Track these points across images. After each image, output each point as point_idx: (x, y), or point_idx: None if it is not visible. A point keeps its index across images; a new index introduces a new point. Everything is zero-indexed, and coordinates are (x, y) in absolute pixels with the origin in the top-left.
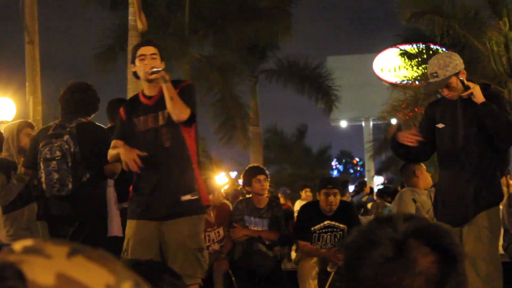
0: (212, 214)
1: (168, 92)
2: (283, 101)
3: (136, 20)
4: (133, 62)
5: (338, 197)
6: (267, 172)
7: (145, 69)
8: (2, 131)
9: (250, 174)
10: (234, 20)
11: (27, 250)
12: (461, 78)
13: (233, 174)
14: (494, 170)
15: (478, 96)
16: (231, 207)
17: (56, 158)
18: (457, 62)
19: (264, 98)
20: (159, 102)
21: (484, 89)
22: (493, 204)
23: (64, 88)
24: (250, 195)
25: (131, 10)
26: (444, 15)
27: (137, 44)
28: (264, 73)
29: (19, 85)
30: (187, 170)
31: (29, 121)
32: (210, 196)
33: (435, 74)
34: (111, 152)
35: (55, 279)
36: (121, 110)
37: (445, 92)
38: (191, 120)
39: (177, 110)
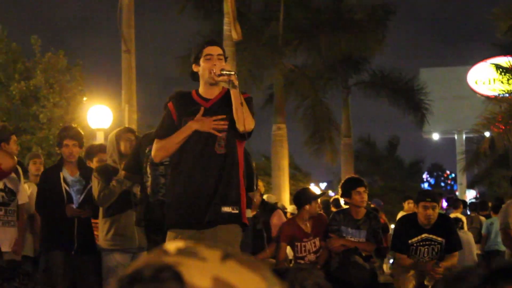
0: (308, 225)
1: (236, 99)
2: (376, 112)
3: (231, 30)
4: (196, 61)
5: (437, 211)
6: (366, 183)
7: (212, 69)
8: (98, 139)
9: (350, 186)
10: (327, 31)
11: (182, 252)
12: None
13: (323, 185)
14: None
15: None
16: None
17: (164, 163)
18: None
19: (357, 109)
20: (216, 106)
21: None
22: None
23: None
24: (348, 206)
25: (226, 20)
26: None
27: (202, 43)
28: (357, 85)
29: (115, 93)
30: (233, 182)
31: (130, 127)
32: (307, 207)
33: None
34: (167, 140)
35: (212, 282)
36: (171, 106)
37: None
38: (250, 134)
39: (247, 119)
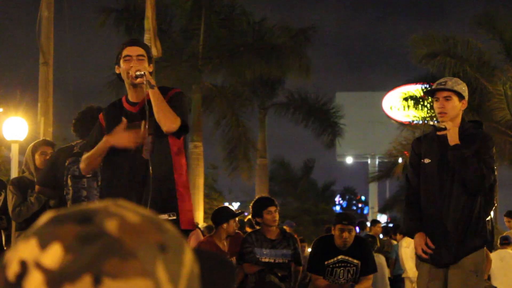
0: (225, 244)
1: (154, 98)
2: (292, 134)
3: (151, 46)
4: (117, 63)
5: (353, 234)
6: (276, 202)
7: (130, 71)
8: (13, 151)
9: (261, 205)
10: (248, 52)
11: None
12: (435, 124)
13: (236, 204)
14: (479, 211)
15: (452, 137)
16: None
17: (87, 176)
18: (466, 90)
19: (273, 130)
20: (142, 109)
21: (475, 128)
22: (480, 246)
23: (83, 111)
24: (259, 227)
25: (146, 36)
26: (457, 57)
27: (123, 43)
28: (274, 106)
29: (31, 105)
30: (166, 187)
31: (45, 139)
32: (225, 225)
33: (443, 83)
34: (87, 155)
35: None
36: (100, 117)
37: (439, 105)
38: (181, 131)
39: (167, 120)
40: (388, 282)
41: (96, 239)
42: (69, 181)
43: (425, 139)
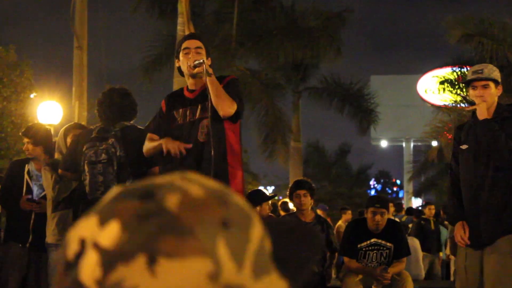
0: None
1: (212, 85)
2: (327, 117)
3: (184, 30)
4: (177, 57)
5: (386, 217)
6: (311, 186)
7: (188, 62)
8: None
9: (292, 189)
10: (281, 36)
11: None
12: (470, 108)
13: (271, 188)
14: None
15: (481, 112)
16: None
17: (102, 161)
18: (499, 75)
19: (309, 114)
20: (200, 95)
21: (510, 111)
22: None
23: (104, 92)
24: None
25: (179, 20)
26: (493, 39)
27: (182, 37)
28: (307, 90)
29: (66, 89)
30: (220, 168)
31: (78, 122)
32: (258, 208)
33: (480, 71)
34: (148, 145)
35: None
36: (162, 103)
37: (477, 93)
38: (237, 116)
39: (224, 104)
40: (422, 265)
41: (153, 216)
42: (86, 167)
43: (465, 126)
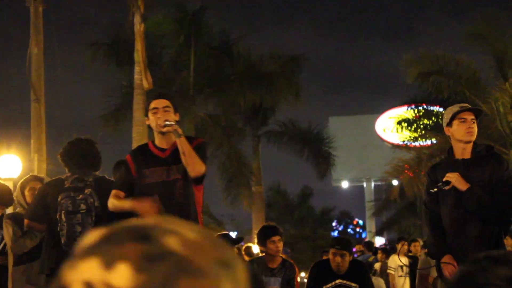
0: None
1: (183, 146)
2: (287, 160)
3: (141, 79)
4: (146, 115)
5: (347, 258)
6: (281, 230)
7: (157, 122)
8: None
9: (265, 235)
10: (239, 81)
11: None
12: (439, 186)
13: (233, 234)
14: (499, 231)
15: (461, 184)
16: None
17: (81, 211)
18: None
19: (269, 157)
20: (172, 155)
21: (487, 150)
22: None
23: (71, 142)
24: (263, 254)
25: (137, 69)
26: (450, 76)
27: (151, 97)
28: (266, 134)
29: (24, 142)
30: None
31: (36, 175)
32: None
33: (466, 106)
34: (115, 203)
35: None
36: (129, 158)
37: (467, 127)
38: (203, 177)
39: (195, 166)
40: None
41: (163, 258)
42: (62, 217)
43: (439, 166)
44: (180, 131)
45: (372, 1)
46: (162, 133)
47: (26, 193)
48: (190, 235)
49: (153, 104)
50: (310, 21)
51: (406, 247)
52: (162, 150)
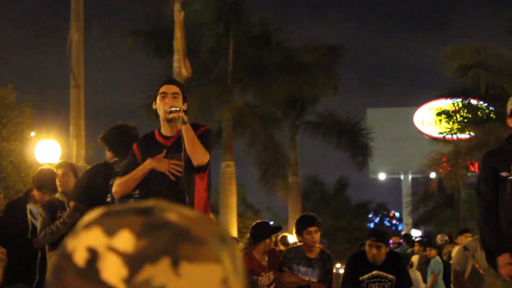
0: (265, 258)
1: (187, 134)
2: (325, 151)
3: (180, 67)
4: (154, 99)
5: (383, 250)
6: (319, 221)
7: (164, 107)
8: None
9: (302, 225)
10: (277, 71)
11: None
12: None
13: (270, 223)
14: None
15: None
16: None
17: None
18: None
19: (306, 148)
20: (176, 143)
21: None
22: None
23: (117, 125)
24: (301, 243)
25: (176, 57)
26: (490, 69)
27: (161, 81)
28: (304, 125)
29: (64, 127)
30: None
31: (63, 161)
32: (267, 241)
33: None
34: (130, 175)
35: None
36: (135, 147)
37: None
38: (206, 166)
39: (198, 154)
40: None
41: (164, 227)
42: (116, 201)
43: (498, 153)
44: (185, 118)
45: None
46: (168, 120)
47: (57, 179)
48: (188, 212)
49: (162, 89)
50: (344, 13)
51: (470, 238)
52: (167, 138)
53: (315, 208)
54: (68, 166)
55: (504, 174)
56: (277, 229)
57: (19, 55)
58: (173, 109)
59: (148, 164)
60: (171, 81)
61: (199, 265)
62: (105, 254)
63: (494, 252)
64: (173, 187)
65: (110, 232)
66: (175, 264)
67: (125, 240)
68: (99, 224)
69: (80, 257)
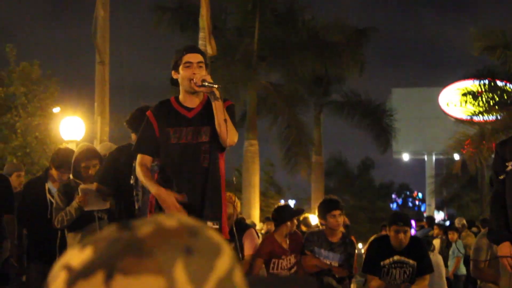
0: (286, 241)
1: (220, 112)
2: (349, 130)
3: (205, 45)
4: (175, 68)
5: (409, 234)
6: (342, 204)
7: (191, 77)
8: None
9: (325, 208)
10: (302, 50)
11: None
12: None
13: (292, 202)
14: None
15: None
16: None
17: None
18: None
19: (331, 127)
20: (200, 116)
21: None
22: None
23: (140, 107)
24: (323, 227)
25: (201, 35)
26: None
27: (181, 49)
28: (328, 104)
29: (88, 104)
30: (216, 195)
31: (92, 148)
32: (288, 224)
33: None
34: (143, 181)
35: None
36: (150, 116)
37: None
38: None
39: (231, 133)
40: (445, 282)
41: (117, 241)
42: (139, 183)
43: (509, 143)
44: (218, 93)
45: None
46: (192, 92)
47: (82, 169)
48: (167, 224)
49: (186, 58)
50: None
51: None
52: (188, 109)
53: (338, 188)
54: (98, 157)
55: (509, 165)
56: (298, 212)
57: (45, 28)
58: (206, 84)
59: (156, 191)
60: (195, 49)
61: (135, 277)
62: (60, 271)
63: (497, 241)
64: (196, 162)
65: (82, 248)
66: (109, 277)
67: (82, 256)
68: (83, 242)
69: (52, 275)
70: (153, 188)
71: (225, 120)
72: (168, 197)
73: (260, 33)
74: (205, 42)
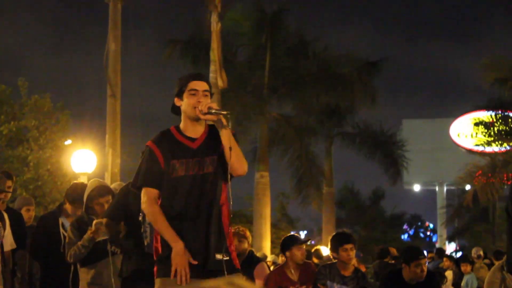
0: (293, 272)
1: (229, 140)
2: (360, 160)
3: (216, 78)
4: (179, 95)
5: (426, 267)
6: (355, 238)
7: (196, 105)
8: (82, 183)
9: (337, 242)
10: (314, 82)
11: None
12: None
13: (303, 233)
14: None
15: None
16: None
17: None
18: None
19: (342, 157)
20: (204, 147)
21: None
22: None
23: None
24: (335, 261)
25: (212, 67)
26: None
27: (186, 76)
28: (339, 135)
29: (99, 136)
30: (223, 226)
31: (106, 185)
32: (295, 252)
33: None
34: (154, 224)
35: None
36: (154, 147)
37: None
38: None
39: (242, 163)
40: None
41: None
42: (147, 220)
43: None
44: (224, 121)
45: (434, 4)
46: (196, 120)
47: (95, 206)
48: None
49: (192, 85)
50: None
51: None
52: (192, 139)
53: (350, 218)
54: (110, 193)
55: None
56: (303, 240)
57: (56, 60)
58: (213, 111)
59: (176, 246)
60: (201, 76)
61: None
62: None
63: None
64: (203, 193)
65: None
66: None
67: None
68: None
69: None
70: (171, 239)
71: (230, 148)
72: (183, 258)
73: (271, 65)
74: (216, 75)
